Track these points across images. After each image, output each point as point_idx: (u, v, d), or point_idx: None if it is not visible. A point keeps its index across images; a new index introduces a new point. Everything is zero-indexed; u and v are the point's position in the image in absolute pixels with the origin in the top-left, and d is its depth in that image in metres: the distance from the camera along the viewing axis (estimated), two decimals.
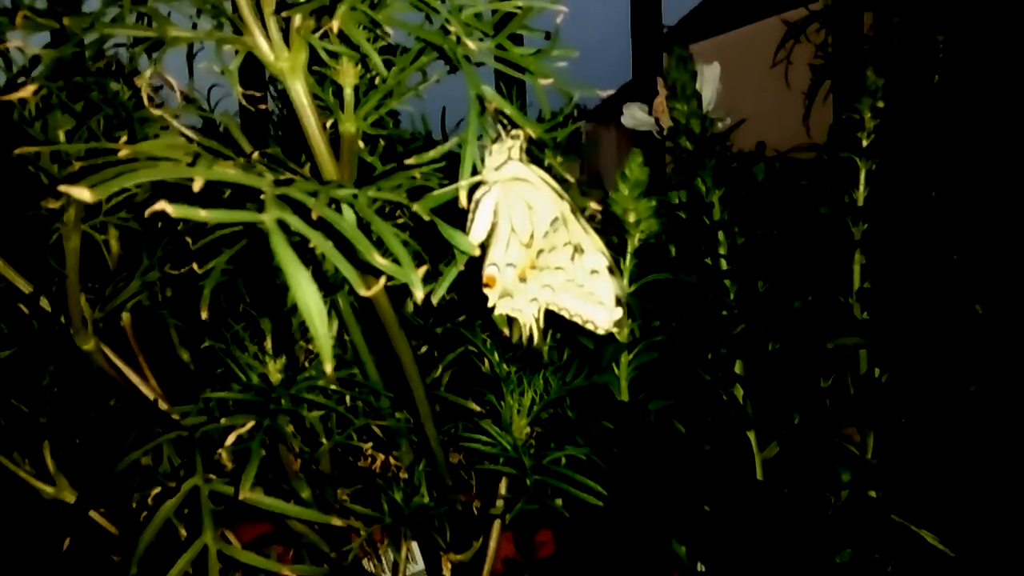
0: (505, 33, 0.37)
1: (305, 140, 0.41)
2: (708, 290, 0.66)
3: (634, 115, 0.83)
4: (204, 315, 0.39)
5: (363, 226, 0.30)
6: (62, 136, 0.39)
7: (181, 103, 0.37)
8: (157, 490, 0.45)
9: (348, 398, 0.48)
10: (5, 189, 0.43)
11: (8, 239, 0.44)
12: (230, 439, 0.42)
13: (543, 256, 0.33)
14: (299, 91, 0.39)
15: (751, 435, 0.66)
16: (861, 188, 0.64)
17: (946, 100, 0.88)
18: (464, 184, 0.32)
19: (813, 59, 1.12)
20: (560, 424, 0.55)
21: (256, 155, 0.47)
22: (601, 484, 0.45)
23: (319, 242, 0.27)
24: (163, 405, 0.50)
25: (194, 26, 0.39)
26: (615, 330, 0.34)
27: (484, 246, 0.33)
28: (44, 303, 0.47)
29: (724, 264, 0.67)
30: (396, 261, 0.28)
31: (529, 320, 0.34)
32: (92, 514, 0.50)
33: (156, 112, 0.37)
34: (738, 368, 0.66)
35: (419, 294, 0.28)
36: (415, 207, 0.31)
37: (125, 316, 0.52)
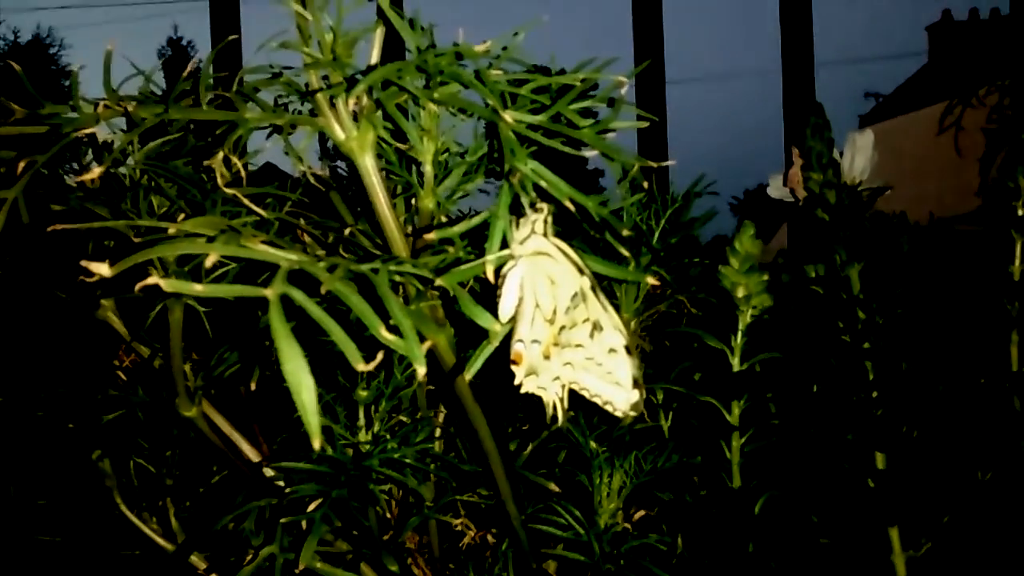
0: (559, 106, 0.36)
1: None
2: (844, 371, 0.62)
3: (778, 186, 0.80)
4: (253, 386, 0.40)
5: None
6: (144, 216, 0.42)
7: (228, 181, 0.38)
8: (251, 554, 0.47)
9: (432, 474, 0.48)
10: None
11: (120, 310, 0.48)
12: (310, 508, 0.43)
13: (564, 333, 0.32)
14: (368, 168, 0.40)
15: (893, 532, 0.60)
16: (1017, 263, 0.58)
17: None
18: (492, 259, 0.31)
19: (986, 124, 1.04)
20: (666, 508, 0.52)
21: (349, 231, 0.49)
22: None
23: (320, 318, 0.28)
24: (268, 471, 0.52)
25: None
26: (632, 414, 0.32)
27: (512, 321, 0.32)
28: (156, 365, 0.50)
29: (865, 343, 0.62)
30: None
31: (553, 399, 0.32)
32: (196, 561, 0.52)
33: (229, 191, 0.39)
34: (879, 459, 0.60)
35: (421, 370, 0.28)
36: (439, 281, 0.31)
37: (242, 388, 0.54)
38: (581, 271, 0.32)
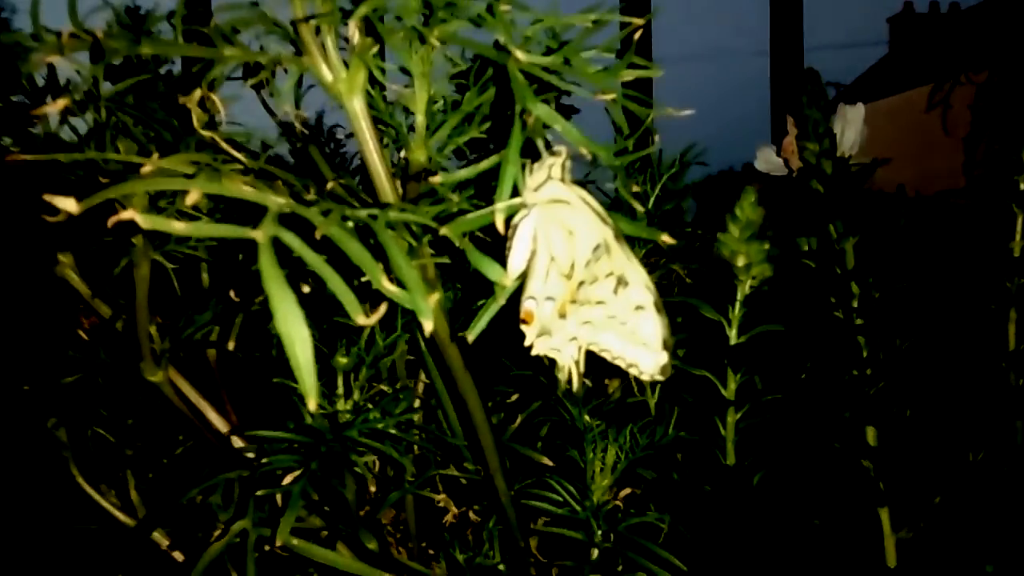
0: (571, 49, 0.33)
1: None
2: (837, 347, 0.60)
3: (767, 158, 0.78)
4: (231, 346, 0.37)
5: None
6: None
7: (213, 125, 0.35)
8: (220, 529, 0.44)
9: (416, 445, 0.45)
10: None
11: (80, 266, 0.44)
12: (286, 480, 0.40)
13: (584, 289, 0.29)
14: (358, 114, 0.36)
15: (883, 513, 0.58)
16: (1018, 238, 0.56)
17: None
18: (501, 207, 0.28)
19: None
20: (654, 486, 0.50)
21: (332, 184, 0.45)
22: (690, 560, 0.40)
23: (316, 264, 0.25)
24: (238, 442, 0.49)
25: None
26: (660, 378, 0.30)
27: (523, 276, 0.29)
28: (118, 327, 0.46)
29: (857, 319, 0.60)
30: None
31: (568, 362, 0.30)
32: (158, 538, 0.49)
33: (207, 134, 0.36)
34: (870, 437, 0.59)
35: (428, 325, 0.25)
36: (444, 231, 0.28)
37: (211, 352, 0.51)
38: (604, 220, 0.29)
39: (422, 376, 0.53)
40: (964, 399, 0.58)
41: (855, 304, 0.61)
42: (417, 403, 0.52)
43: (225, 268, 0.44)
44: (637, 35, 0.35)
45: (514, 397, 0.53)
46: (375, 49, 0.35)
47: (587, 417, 0.44)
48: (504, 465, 0.43)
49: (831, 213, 0.61)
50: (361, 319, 0.24)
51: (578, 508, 0.41)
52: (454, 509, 0.48)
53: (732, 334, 0.51)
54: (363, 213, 0.28)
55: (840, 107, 0.75)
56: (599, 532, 0.40)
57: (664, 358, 0.29)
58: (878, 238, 0.61)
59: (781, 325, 0.52)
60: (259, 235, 0.24)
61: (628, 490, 0.48)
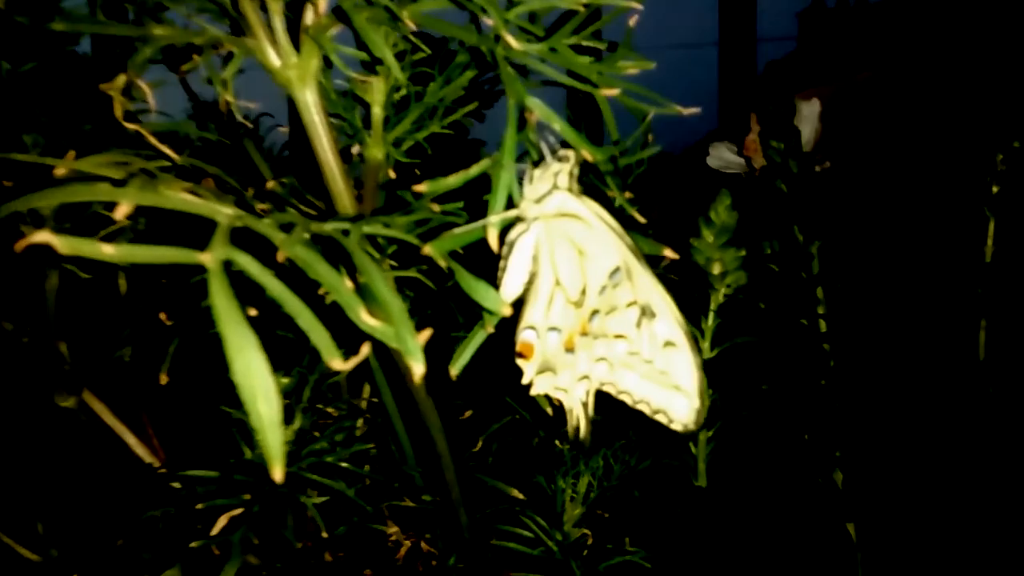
0: (561, 35, 0.29)
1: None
2: (803, 357, 0.57)
3: (721, 156, 0.75)
4: (163, 380, 0.32)
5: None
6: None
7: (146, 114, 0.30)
8: None
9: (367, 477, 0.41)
10: None
11: None
12: (218, 525, 0.35)
13: (599, 320, 0.25)
14: (309, 105, 0.32)
15: (850, 528, 0.56)
16: (990, 243, 0.54)
17: None
18: (495, 220, 0.24)
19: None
20: (624, 511, 0.46)
21: (272, 184, 0.40)
22: None
23: (280, 293, 0.20)
24: (168, 478, 0.43)
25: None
26: (692, 428, 0.26)
27: (520, 303, 0.25)
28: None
29: (823, 325, 0.57)
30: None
31: (575, 405, 0.25)
32: None
33: (131, 127, 0.30)
34: (837, 451, 0.56)
35: (417, 369, 0.20)
36: (427, 249, 0.23)
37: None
38: (623, 239, 0.25)
39: (365, 394, 0.49)
40: (934, 411, 0.56)
41: (821, 311, 0.58)
42: (360, 422, 0.48)
43: (152, 279, 0.39)
44: (633, 21, 0.31)
45: (467, 414, 0.49)
46: (332, 31, 0.31)
47: (557, 441, 0.40)
48: (467, 497, 0.39)
49: (799, 214, 0.59)
50: (337, 363, 0.20)
51: (554, 547, 0.37)
52: (407, 543, 0.44)
53: (705, 347, 0.48)
54: (331, 227, 0.23)
55: (797, 104, 0.72)
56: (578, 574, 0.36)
57: (698, 403, 0.25)
58: (845, 242, 0.59)
59: (753, 336, 0.49)
60: (209, 259, 0.19)
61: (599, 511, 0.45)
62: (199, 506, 0.32)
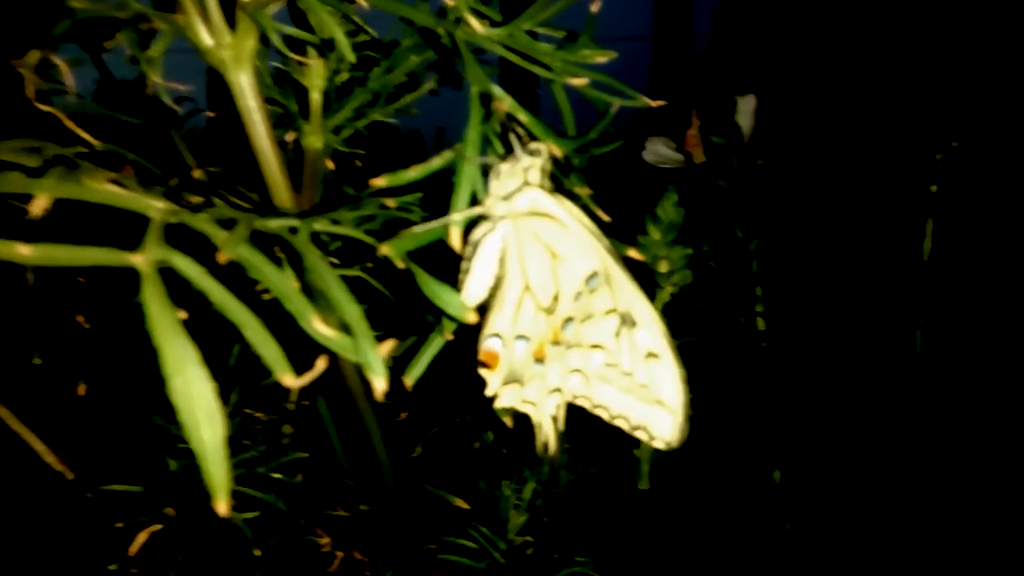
0: (522, 20, 0.27)
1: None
2: (742, 356, 0.56)
3: (657, 151, 0.74)
4: (81, 391, 0.29)
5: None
6: None
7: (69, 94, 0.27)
8: None
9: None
10: None
11: None
12: (137, 543, 0.32)
13: (573, 328, 0.23)
14: (244, 88, 0.29)
15: (788, 527, 0.56)
16: (927, 242, 0.54)
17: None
18: (458, 218, 0.22)
19: None
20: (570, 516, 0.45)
21: (199, 172, 0.37)
22: None
23: (223, 301, 0.18)
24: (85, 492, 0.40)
25: None
26: (675, 445, 0.24)
27: (484, 308, 0.23)
28: None
29: (761, 324, 0.57)
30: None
31: (544, 419, 0.23)
32: None
33: (44, 108, 0.27)
34: (774, 451, 0.56)
35: (380, 384, 0.18)
36: (384, 249, 0.21)
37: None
38: (601, 242, 0.23)
39: (293, 395, 0.46)
40: (871, 406, 0.56)
41: (759, 309, 0.57)
42: (288, 429, 0.45)
43: (67, 275, 0.35)
44: (595, 7, 0.29)
45: (403, 416, 0.46)
46: (271, 8, 0.28)
47: (504, 450, 0.38)
48: (407, 506, 0.37)
49: (739, 211, 0.58)
50: (289, 380, 0.17)
51: (500, 558, 0.35)
52: (340, 554, 0.41)
53: None
54: (276, 224, 0.21)
55: (736, 99, 0.72)
56: None
57: (682, 419, 0.24)
58: (785, 239, 0.59)
59: (696, 336, 0.48)
60: (141, 261, 0.17)
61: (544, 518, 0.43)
62: (118, 525, 0.29)
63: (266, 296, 0.32)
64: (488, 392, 0.23)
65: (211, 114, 0.42)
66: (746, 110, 0.73)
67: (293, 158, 0.35)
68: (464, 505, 0.37)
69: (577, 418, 0.43)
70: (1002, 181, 0.63)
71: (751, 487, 0.54)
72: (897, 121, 0.67)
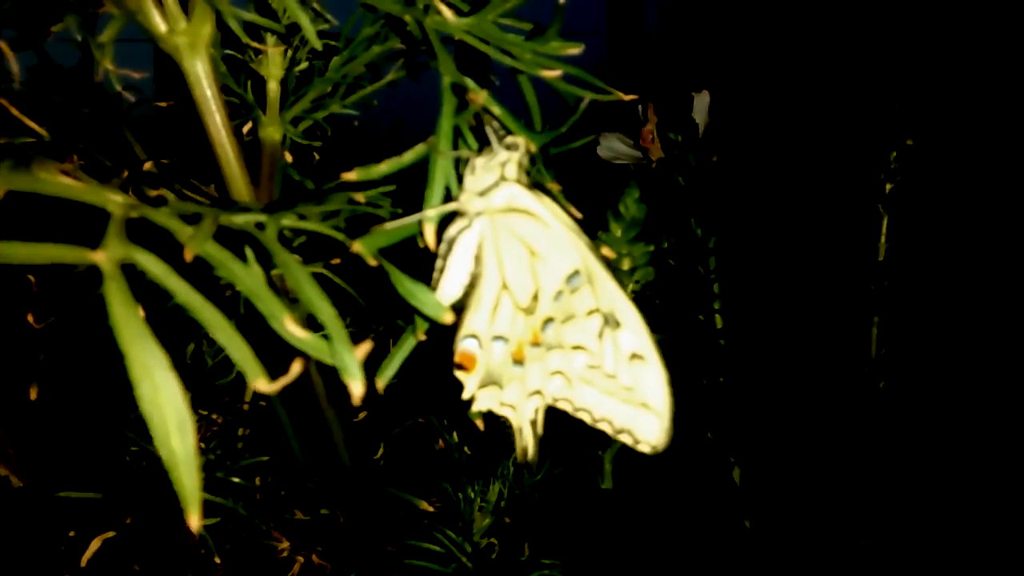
0: (490, 10, 0.26)
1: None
2: (700, 354, 0.56)
3: (612, 146, 0.73)
4: (33, 395, 0.28)
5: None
6: None
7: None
8: None
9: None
10: None
11: None
12: (90, 550, 0.31)
13: (553, 329, 0.22)
14: (200, 76, 0.28)
15: (747, 524, 0.56)
16: (883, 240, 0.55)
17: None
18: (432, 214, 0.21)
19: None
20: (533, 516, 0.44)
21: (149, 164, 0.36)
22: None
23: (191, 301, 0.16)
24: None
25: None
26: (660, 448, 0.24)
27: (460, 308, 0.22)
28: None
29: (719, 321, 0.57)
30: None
31: (524, 424, 0.23)
32: None
33: None
34: (734, 449, 0.56)
35: (357, 389, 0.17)
36: (355, 246, 0.20)
37: None
38: (581, 239, 0.22)
39: (248, 394, 0.45)
40: (827, 405, 0.56)
41: (717, 306, 0.58)
42: (241, 431, 0.44)
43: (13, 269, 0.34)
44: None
45: (362, 415, 0.45)
46: None
47: (467, 448, 0.38)
48: (369, 509, 0.36)
49: (697, 208, 0.58)
50: (263, 386, 0.16)
51: (466, 562, 0.34)
52: (300, 558, 0.40)
53: None
54: (243, 219, 0.20)
55: (692, 95, 0.72)
56: None
57: (668, 423, 0.23)
58: (742, 236, 0.59)
59: (662, 334, 0.48)
60: (104, 259, 0.16)
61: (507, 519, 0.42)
62: (71, 534, 0.28)
63: (228, 292, 0.31)
64: (465, 395, 0.22)
65: (162, 104, 0.40)
66: (701, 106, 0.73)
67: (250, 150, 0.34)
68: (428, 508, 0.36)
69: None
70: (957, 180, 0.64)
71: (712, 485, 0.54)
72: (851, 120, 0.68)
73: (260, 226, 0.20)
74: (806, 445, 0.58)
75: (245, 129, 0.35)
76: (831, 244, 0.60)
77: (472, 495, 0.38)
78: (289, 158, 0.35)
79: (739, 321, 0.57)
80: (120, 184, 0.33)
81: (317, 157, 0.37)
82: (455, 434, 0.38)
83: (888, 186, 0.55)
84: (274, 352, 0.19)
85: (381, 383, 0.22)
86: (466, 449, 0.38)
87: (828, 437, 0.57)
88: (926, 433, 0.58)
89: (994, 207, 0.69)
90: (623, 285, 0.47)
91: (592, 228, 0.47)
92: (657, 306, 0.54)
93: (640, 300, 0.47)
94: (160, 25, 0.27)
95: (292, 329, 0.17)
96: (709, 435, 0.51)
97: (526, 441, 0.23)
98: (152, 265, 0.16)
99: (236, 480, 0.33)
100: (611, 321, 0.22)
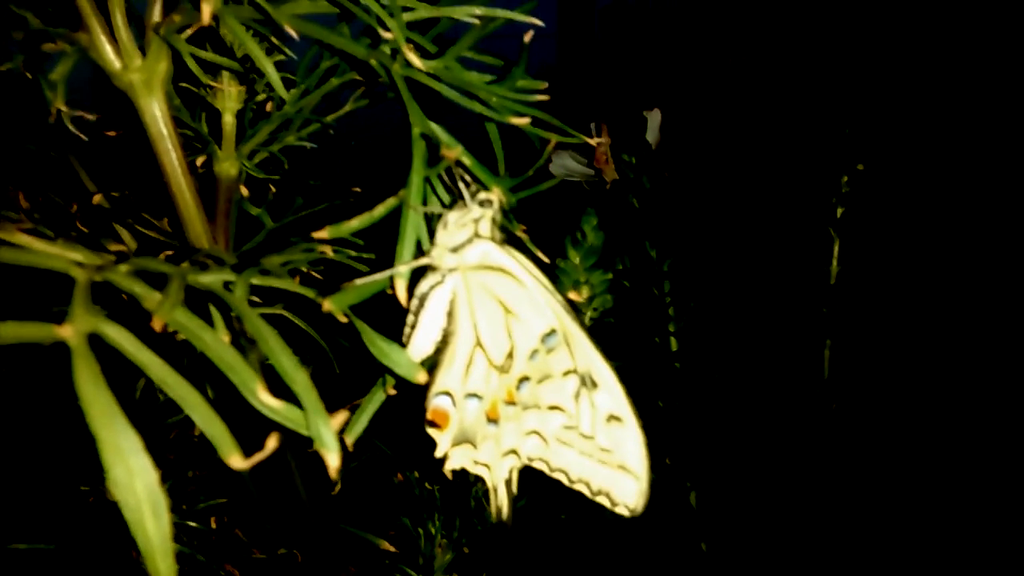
0: (458, 49, 0.26)
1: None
2: (656, 378, 0.57)
3: (565, 164, 0.74)
4: None
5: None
6: None
7: None
8: None
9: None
10: None
11: None
12: None
13: (529, 388, 0.22)
14: (156, 116, 0.27)
15: (703, 546, 0.56)
16: (835, 263, 0.56)
17: None
18: (404, 270, 0.20)
19: None
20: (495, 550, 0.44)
21: (99, 198, 0.35)
22: None
23: (163, 377, 0.16)
24: None
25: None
26: (638, 512, 0.23)
27: (432, 364, 0.22)
28: None
29: (674, 344, 0.57)
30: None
31: (499, 483, 0.22)
32: None
33: None
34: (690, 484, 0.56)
35: (333, 461, 0.17)
36: (326, 304, 0.20)
37: None
38: (555, 297, 0.22)
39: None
40: (781, 426, 0.57)
41: (672, 328, 0.58)
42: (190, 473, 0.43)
43: None
44: (528, 37, 0.28)
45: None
46: (187, 32, 0.26)
47: (427, 484, 0.37)
48: (329, 548, 0.35)
49: (651, 231, 0.58)
50: (237, 462, 0.16)
51: None
52: None
53: None
54: (209, 279, 0.19)
55: (644, 114, 0.72)
56: None
57: (646, 486, 0.23)
58: (697, 259, 0.59)
59: (619, 361, 0.48)
60: (71, 334, 0.15)
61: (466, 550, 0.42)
62: None
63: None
64: (438, 453, 0.21)
65: (111, 133, 0.39)
66: (653, 125, 0.73)
67: (204, 183, 0.33)
68: (389, 548, 0.36)
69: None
70: (908, 204, 0.65)
71: (668, 509, 0.54)
72: (801, 145, 0.69)
73: (228, 286, 0.19)
74: (761, 466, 0.58)
75: (199, 161, 0.34)
76: (784, 267, 0.61)
77: (432, 531, 0.37)
78: (245, 192, 0.34)
79: (694, 343, 0.57)
80: (67, 219, 0.32)
81: (273, 190, 0.36)
82: (415, 471, 0.38)
83: (840, 210, 0.56)
84: (242, 411, 0.18)
85: (350, 439, 0.22)
86: (427, 484, 0.38)
87: (782, 458, 0.58)
88: (878, 453, 0.59)
89: (945, 229, 0.71)
90: (582, 314, 0.47)
91: (548, 250, 0.47)
92: (613, 330, 0.54)
93: (598, 327, 0.47)
94: (114, 62, 0.26)
95: (266, 400, 0.17)
96: (667, 461, 0.52)
97: (500, 501, 0.22)
98: (121, 338, 0.16)
99: (192, 524, 0.32)
100: (588, 382, 0.22)
